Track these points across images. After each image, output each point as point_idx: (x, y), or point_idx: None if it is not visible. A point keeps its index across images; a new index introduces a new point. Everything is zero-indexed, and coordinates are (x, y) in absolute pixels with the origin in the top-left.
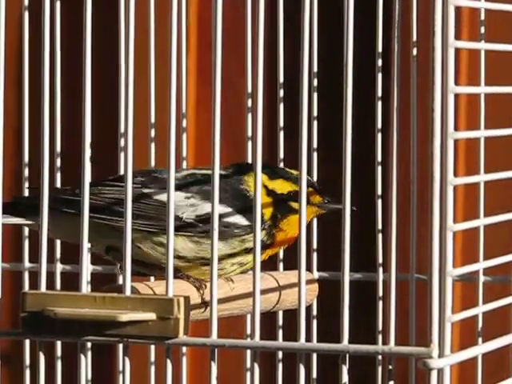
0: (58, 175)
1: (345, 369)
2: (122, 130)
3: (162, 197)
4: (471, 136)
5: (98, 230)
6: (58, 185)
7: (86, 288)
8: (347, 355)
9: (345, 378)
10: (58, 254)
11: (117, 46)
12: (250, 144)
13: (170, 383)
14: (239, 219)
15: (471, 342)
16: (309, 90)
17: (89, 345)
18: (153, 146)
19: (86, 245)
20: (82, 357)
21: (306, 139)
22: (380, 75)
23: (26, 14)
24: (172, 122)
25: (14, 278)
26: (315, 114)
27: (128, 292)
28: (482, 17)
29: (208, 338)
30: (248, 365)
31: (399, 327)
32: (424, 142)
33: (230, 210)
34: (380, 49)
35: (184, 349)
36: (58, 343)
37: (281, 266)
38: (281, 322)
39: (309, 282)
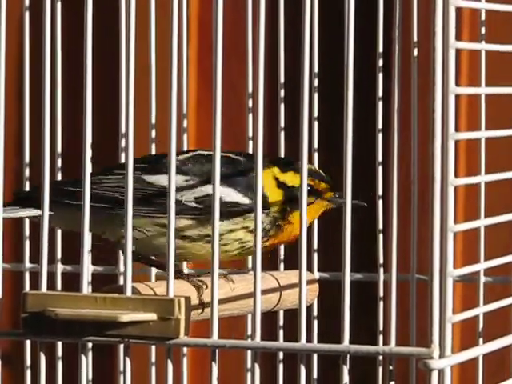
0: (59, 175)
1: (345, 369)
2: (123, 130)
3: (163, 181)
4: (472, 137)
5: (110, 220)
6: None
7: (86, 288)
8: (348, 356)
9: (345, 378)
10: (59, 255)
11: (118, 46)
12: (250, 144)
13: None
14: (241, 198)
15: (472, 342)
16: (309, 90)
17: (90, 345)
18: (153, 146)
19: (87, 246)
20: (83, 357)
21: (306, 140)
22: (381, 76)
23: (27, 15)
24: (173, 123)
25: (14, 279)
26: (316, 114)
27: (129, 292)
28: (483, 17)
29: (209, 339)
30: (249, 365)
31: (400, 328)
32: (425, 142)
33: (231, 189)
34: (381, 49)
35: (185, 349)
36: (59, 344)
37: (281, 265)
38: (281, 322)
39: (309, 282)
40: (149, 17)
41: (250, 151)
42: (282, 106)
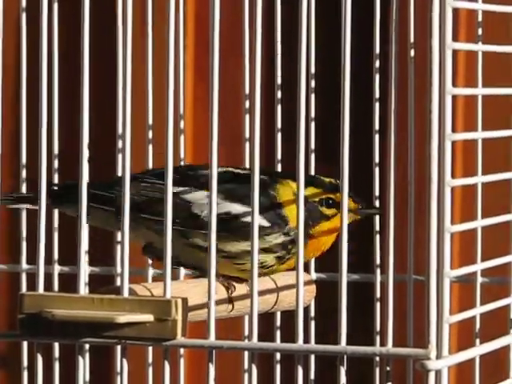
0: (56, 176)
1: (343, 370)
2: (120, 131)
3: (188, 196)
4: (469, 137)
5: (137, 226)
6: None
7: (83, 289)
8: (345, 356)
9: (343, 379)
10: (56, 256)
11: (114, 46)
12: (247, 145)
13: None
14: (260, 219)
15: (469, 343)
16: (306, 91)
17: (86, 346)
18: (150, 147)
19: (84, 247)
20: (80, 358)
21: (303, 141)
22: (377, 76)
23: (24, 16)
24: (169, 124)
25: (11, 280)
26: (313, 115)
27: (126, 293)
28: (480, 18)
29: (206, 340)
30: (246, 366)
31: (397, 328)
32: (422, 143)
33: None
34: (377, 50)
35: (182, 350)
36: (56, 345)
37: None
38: (278, 323)
39: (306, 283)
40: (146, 16)
41: (248, 152)
42: (279, 107)
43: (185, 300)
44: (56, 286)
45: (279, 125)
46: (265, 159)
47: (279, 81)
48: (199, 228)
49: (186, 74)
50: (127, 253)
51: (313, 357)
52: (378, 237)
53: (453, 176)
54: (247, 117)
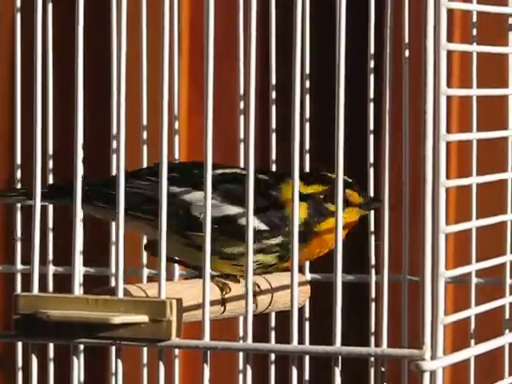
0: (51, 177)
1: (337, 371)
2: (115, 131)
3: (187, 196)
4: (463, 138)
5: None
6: None
7: (78, 290)
8: (340, 357)
9: (337, 380)
10: (51, 256)
11: (109, 48)
12: (242, 146)
13: None
14: (257, 223)
15: (464, 343)
16: (301, 91)
17: (81, 347)
18: (145, 147)
19: (79, 247)
20: (75, 359)
21: (298, 141)
22: (372, 77)
23: (18, 16)
24: (164, 124)
25: (6, 280)
26: (307, 115)
27: (120, 294)
28: (474, 19)
29: (200, 341)
30: (240, 367)
31: (392, 329)
32: (416, 143)
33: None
34: (372, 51)
35: (176, 351)
36: (51, 345)
37: None
38: (273, 324)
39: (301, 283)
40: (140, 20)
41: (242, 153)
42: (274, 108)
43: (179, 301)
44: (51, 287)
45: (274, 125)
46: (259, 160)
47: (274, 81)
48: (198, 229)
49: (180, 74)
50: (122, 253)
51: (307, 357)
52: (372, 237)
53: (447, 176)
54: (242, 117)
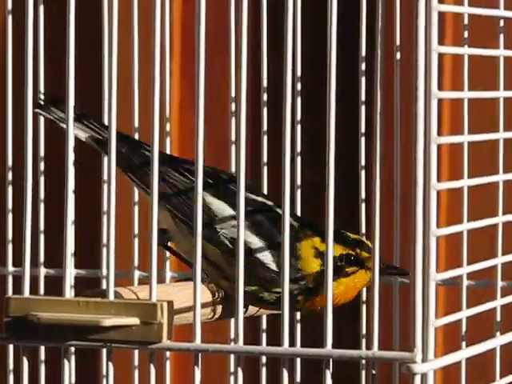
0: (42, 179)
1: (328, 373)
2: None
3: (213, 202)
4: (454, 141)
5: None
6: (42, 189)
7: (69, 293)
8: (331, 360)
9: (328, 382)
10: (42, 258)
11: (100, 49)
12: (233, 148)
13: None
14: (269, 260)
15: (455, 346)
16: (292, 94)
17: (72, 349)
18: None
19: (70, 249)
20: (66, 361)
21: (289, 143)
22: (364, 79)
23: (10, 18)
24: (155, 126)
25: None
26: (299, 118)
27: (111, 297)
28: (466, 21)
29: (191, 343)
30: (232, 369)
31: (383, 331)
32: (408, 146)
33: (267, 252)
34: (363, 53)
35: (168, 353)
36: (42, 348)
37: None
38: (264, 327)
39: None
40: (131, 20)
41: (234, 155)
42: (265, 110)
43: (170, 303)
44: (42, 289)
45: (265, 127)
46: (250, 162)
47: (265, 83)
48: (213, 241)
49: (172, 76)
50: (113, 256)
51: (299, 360)
52: (363, 239)
53: (439, 179)
54: (233, 119)
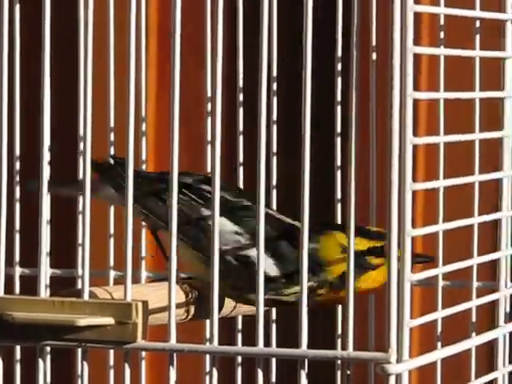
0: (17, 178)
1: (303, 374)
2: (81, 133)
3: (231, 235)
4: (429, 141)
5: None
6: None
7: (44, 292)
8: (306, 360)
9: (303, 382)
10: (17, 258)
11: (76, 48)
12: (209, 148)
13: None
14: (271, 267)
15: (431, 347)
16: (268, 94)
17: (47, 349)
18: (112, 149)
19: (46, 249)
20: (41, 361)
21: (264, 143)
22: (339, 80)
23: None
24: (130, 126)
25: None
26: (275, 118)
27: (86, 296)
28: (442, 22)
29: (166, 343)
30: (207, 369)
31: (359, 332)
32: (384, 146)
33: (267, 258)
34: (340, 53)
35: (143, 353)
36: (17, 348)
37: None
38: (240, 327)
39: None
40: (107, 19)
41: (209, 155)
42: (241, 110)
43: (145, 303)
44: (17, 289)
45: (241, 127)
46: (226, 162)
47: (241, 84)
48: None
49: (148, 76)
50: (88, 255)
51: (274, 360)
52: None
53: (415, 178)
54: (209, 119)
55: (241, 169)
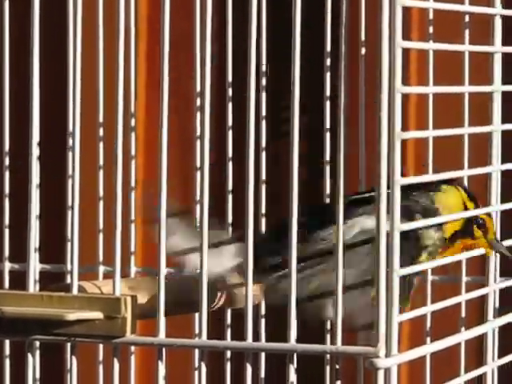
0: (7, 174)
1: (292, 368)
2: (70, 129)
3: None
4: (418, 136)
5: None
6: (7, 183)
7: (33, 287)
8: (294, 354)
9: (292, 377)
10: (7, 253)
11: (65, 44)
12: (198, 143)
13: (117, 382)
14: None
15: (421, 341)
16: (257, 89)
17: (37, 344)
18: (101, 145)
19: (34, 244)
20: (30, 356)
21: (253, 138)
22: (328, 75)
23: None
24: (119, 121)
25: None
26: (264, 113)
27: (75, 291)
28: (431, 16)
29: (155, 337)
30: (196, 364)
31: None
32: (373, 141)
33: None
34: (329, 48)
35: (132, 348)
36: (7, 342)
37: None
38: (229, 321)
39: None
40: (96, 16)
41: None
42: (230, 105)
43: (134, 298)
44: (7, 283)
45: (230, 122)
46: (216, 157)
47: (230, 79)
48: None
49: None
50: (77, 250)
51: (263, 354)
52: None
53: (405, 173)
54: (198, 114)
55: (230, 164)
